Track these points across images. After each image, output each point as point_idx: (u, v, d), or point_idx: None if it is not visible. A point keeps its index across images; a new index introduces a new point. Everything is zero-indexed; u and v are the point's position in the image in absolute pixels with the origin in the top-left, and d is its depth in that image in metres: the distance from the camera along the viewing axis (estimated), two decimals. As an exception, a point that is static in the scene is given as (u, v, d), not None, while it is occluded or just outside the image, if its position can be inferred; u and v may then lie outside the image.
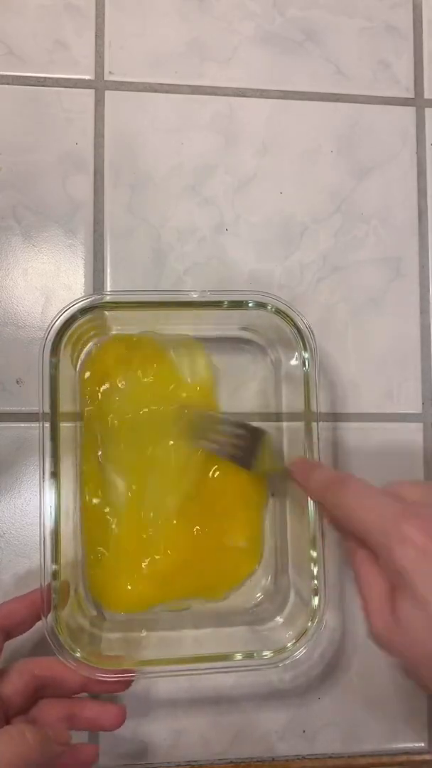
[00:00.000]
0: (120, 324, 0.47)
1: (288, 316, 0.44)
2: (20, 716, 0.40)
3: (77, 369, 0.47)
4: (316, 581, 0.42)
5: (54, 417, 0.41)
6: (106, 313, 0.44)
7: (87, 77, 0.50)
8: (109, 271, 0.49)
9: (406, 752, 0.50)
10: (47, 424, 0.41)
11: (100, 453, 0.47)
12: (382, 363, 0.51)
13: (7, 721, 0.39)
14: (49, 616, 0.40)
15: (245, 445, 0.46)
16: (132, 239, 0.50)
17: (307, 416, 0.43)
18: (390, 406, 0.51)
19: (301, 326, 0.44)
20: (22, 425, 0.48)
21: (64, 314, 0.42)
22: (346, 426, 0.50)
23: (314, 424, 0.43)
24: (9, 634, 0.41)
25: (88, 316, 0.43)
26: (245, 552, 0.48)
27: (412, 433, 0.51)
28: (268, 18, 0.52)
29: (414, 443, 0.51)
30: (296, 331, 0.44)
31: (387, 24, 0.53)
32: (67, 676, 0.41)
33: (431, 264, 0.52)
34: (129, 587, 0.46)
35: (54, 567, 0.41)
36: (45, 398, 0.41)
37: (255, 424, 0.47)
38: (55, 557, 0.41)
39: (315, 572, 0.42)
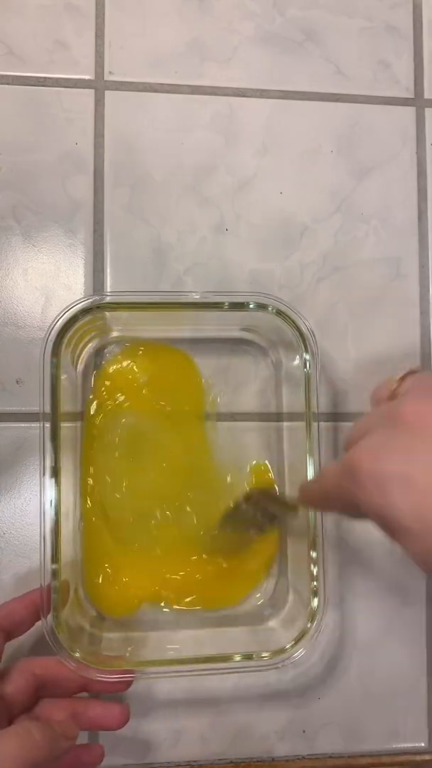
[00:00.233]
0: (120, 325, 0.47)
1: (289, 318, 0.44)
2: (23, 715, 0.41)
3: (78, 371, 0.47)
4: (315, 582, 0.42)
5: (54, 417, 0.41)
6: (107, 313, 0.44)
7: (87, 77, 0.50)
8: (109, 271, 0.49)
9: (406, 752, 0.50)
10: (47, 424, 0.41)
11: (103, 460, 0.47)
12: (382, 363, 0.51)
13: (11, 721, 0.39)
14: (49, 616, 0.40)
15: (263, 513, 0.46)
16: (132, 239, 0.50)
17: (308, 417, 0.43)
18: (390, 406, 0.51)
19: (303, 328, 0.44)
20: (22, 425, 0.48)
21: (66, 314, 0.42)
22: (347, 426, 0.50)
23: (314, 425, 0.43)
24: (9, 635, 0.41)
25: (89, 317, 0.43)
26: (253, 571, 0.49)
27: (412, 433, 0.51)
28: (268, 18, 0.52)
29: (414, 443, 0.51)
30: (297, 333, 0.44)
31: (387, 24, 0.53)
32: (68, 676, 0.41)
33: (431, 264, 0.52)
34: (127, 594, 0.47)
35: (54, 566, 0.41)
36: (45, 398, 0.41)
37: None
38: (55, 557, 0.41)
39: (315, 573, 0.42)
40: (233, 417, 0.49)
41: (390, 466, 0.30)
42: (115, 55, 0.51)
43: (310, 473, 0.43)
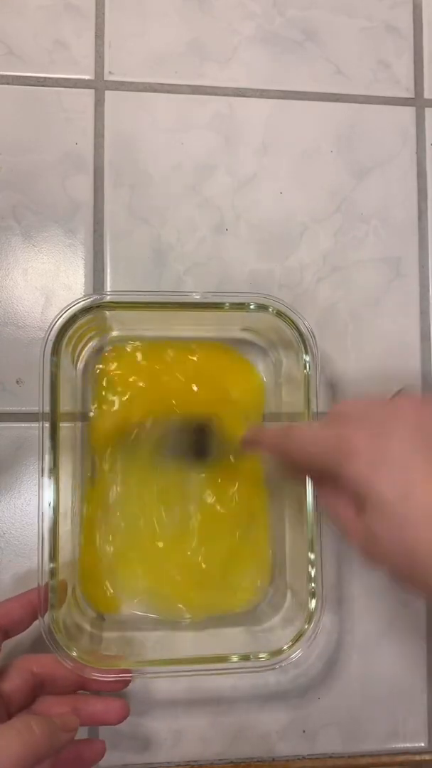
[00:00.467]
0: (120, 324, 0.47)
1: (289, 319, 0.44)
2: (22, 712, 0.41)
3: (78, 370, 0.47)
4: (313, 583, 0.42)
5: (54, 416, 0.41)
6: (107, 313, 0.44)
7: (87, 77, 0.50)
8: (109, 271, 0.49)
9: (406, 752, 0.50)
10: (47, 424, 0.41)
11: (105, 464, 0.47)
12: (382, 363, 0.51)
13: (9, 719, 0.39)
14: (47, 615, 0.40)
15: (194, 440, 0.47)
16: (132, 239, 0.50)
17: (308, 418, 0.43)
18: (390, 406, 0.51)
19: (303, 329, 0.44)
20: (22, 425, 0.48)
21: (66, 314, 0.42)
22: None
23: (314, 425, 0.43)
24: (6, 634, 0.41)
25: (89, 316, 0.43)
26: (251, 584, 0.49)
27: (412, 433, 0.51)
28: (268, 18, 0.52)
29: (414, 443, 0.51)
30: (297, 334, 0.44)
31: (387, 24, 0.53)
32: (66, 674, 0.41)
33: (431, 264, 0.52)
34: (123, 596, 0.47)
35: (51, 565, 0.41)
36: (45, 398, 0.41)
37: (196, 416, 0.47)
38: (53, 556, 0.41)
39: (312, 574, 0.42)
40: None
41: (392, 450, 0.33)
42: (115, 55, 0.51)
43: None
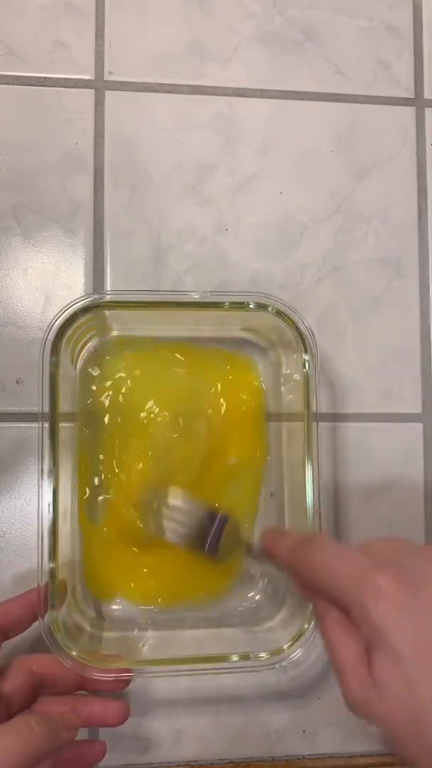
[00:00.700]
0: (120, 324, 0.47)
1: (289, 318, 0.44)
2: (23, 712, 0.40)
3: (77, 370, 0.47)
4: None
5: (53, 416, 0.41)
6: (107, 312, 0.44)
7: (87, 77, 0.50)
8: (109, 271, 0.49)
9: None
10: (46, 423, 0.41)
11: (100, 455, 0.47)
12: (382, 363, 0.51)
13: (9, 719, 0.39)
14: (47, 615, 0.40)
15: (207, 533, 0.44)
16: (132, 239, 0.50)
17: (307, 417, 0.43)
18: (390, 406, 0.51)
19: (302, 328, 0.44)
20: (22, 425, 0.48)
21: (65, 313, 0.42)
22: (346, 426, 0.50)
23: (314, 425, 0.43)
24: (6, 634, 0.41)
25: (88, 316, 0.43)
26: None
27: (412, 433, 0.51)
28: (268, 18, 0.52)
29: (414, 443, 0.51)
30: (297, 333, 0.44)
31: (387, 24, 0.53)
32: (65, 674, 0.41)
33: (431, 264, 0.52)
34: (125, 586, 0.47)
35: (51, 565, 0.41)
36: (45, 397, 0.41)
37: (215, 509, 0.45)
38: (53, 556, 0.41)
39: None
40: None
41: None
42: (115, 55, 0.51)
43: (309, 474, 0.43)
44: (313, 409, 0.43)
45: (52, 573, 0.41)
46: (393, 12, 0.53)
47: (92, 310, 0.43)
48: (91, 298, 0.43)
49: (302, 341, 0.43)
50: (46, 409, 0.41)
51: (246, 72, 0.52)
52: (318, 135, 0.52)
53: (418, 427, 0.51)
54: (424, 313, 0.52)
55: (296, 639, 0.42)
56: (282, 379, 0.48)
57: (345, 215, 0.52)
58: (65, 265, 0.49)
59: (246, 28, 0.52)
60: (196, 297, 0.44)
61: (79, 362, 0.47)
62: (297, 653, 0.42)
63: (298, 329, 0.44)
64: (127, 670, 0.41)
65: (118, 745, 0.47)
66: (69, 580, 0.44)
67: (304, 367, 0.43)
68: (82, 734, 0.46)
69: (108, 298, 0.44)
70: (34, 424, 0.48)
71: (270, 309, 0.44)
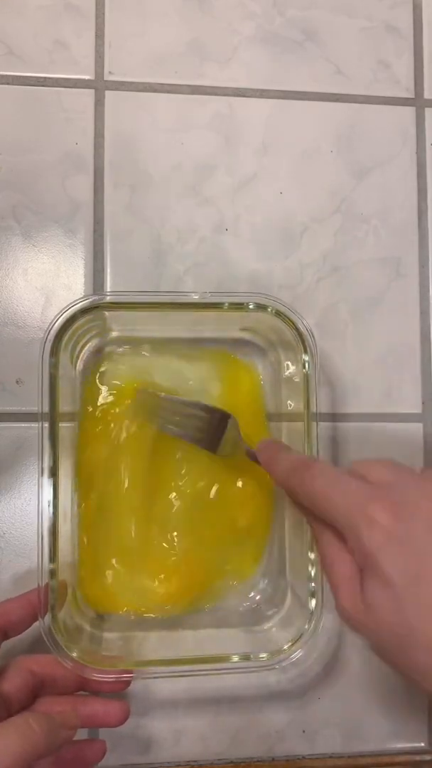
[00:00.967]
0: (120, 325, 0.47)
1: (288, 319, 0.44)
2: (23, 712, 0.40)
3: (77, 369, 0.47)
4: (313, 583, 0.42)
5: (53, 417, 0.41)
6: (106, 313, 0.44)
7: (87, 77, 0.50)
8: (109, 271, 0.49)
9: (406, 752, 0.50)
10: (46, 424, 0.41)
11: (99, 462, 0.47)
12: (382, 363, 0.51)
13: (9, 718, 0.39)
14: (47, 616, 0.40)
15: (209, 428, 0.45)
16: (132, 239, 0.50)
17: (307, 418, 0.43)
18: (390, 406, 0.51)
19: (302, 329, 0.44)
20: (23, 425, 0.48)
21: (64, 314, 0.42)
22: (347, 426, 0.50)
23: (314, 425, 0.43)
24: (6, 634, 0.41)
25: (88, 317, 0.43)
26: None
27: (412, 433, 0.51)
28: (268, 18, 0.52)
29: (414, 443, 0.51)
30: (296, 334, 0.44)
31: (387, 24, 0.53)
32: (66, 674, 0.41)
33: (431, 264, 0.52)
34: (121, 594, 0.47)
35: (51, 566, 0.41)
36: (44, 398, 0.41)
37: (219, 408, 0.46)
38: (53, 557, 0.41)
39: (312, 574, 0.42)
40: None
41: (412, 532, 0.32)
42: (115, 55, 0.51)
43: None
44: (313, 409, 0.43)
45: (53, 574, 0.41)
46: (393, 12, 0.53)
47: (91, 311, 0.43)
48: (90, 300, 0.43)
49: (302, 341, 0.43)
50: (46, 409, 0.41)
51: (246, 72, 0.52)
52: (318, 135, 0.52)
53: (418, 427, 0.51)
54: (424, 313, 0.52)
55: (296, 639, 0.42)
56: (282, 379, 0.48)
57: (345, 215, 0.52)
58: (65, 265, 0.49)
59: (246, 28, 0.52)
60: (195, 298, 0.44)
61: (78, 363, 0.47)
62: (297, 653, 0.42)
63: (297, 329, 0.44)
64: (128, 671, 0.41)
65: (118, 745, 0.47)
66: (69, 581, 0.44)
67: (304, 367, 0.43)
68: (83, 734, 0.46)
69: (107, 299, 0.44)
70: (34, 424, 0.48)
71: (269, 309, 0.44)
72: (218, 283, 0.50)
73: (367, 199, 0.52)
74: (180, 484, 0.47)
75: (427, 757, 0.50)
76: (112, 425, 0.47)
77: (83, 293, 0.49)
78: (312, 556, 0.42)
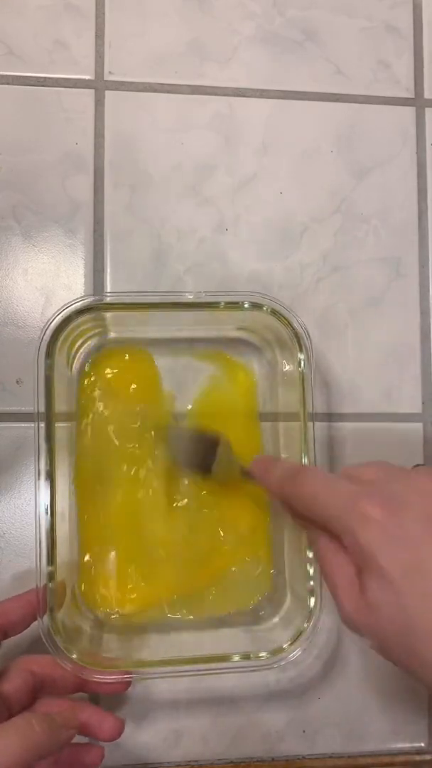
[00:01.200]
0: (117, 325, 0.47)
1: (283, 317, 0.44)
2: (24, 712, 0.40)
3: (73, 372, 0.47)
4: (312, 582, 0.42)
5: (49, 418, 0.41)
6: (102, 314, 0.44)
7: (87, 77, 0.50)
8: (109, 271, 0.49)
9: (406, 752, 0.50)
10: (42, 425, 0.41)
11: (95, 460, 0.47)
12: (382, 363, 0.51)
13: (9, 719, 0.39)
14: (46, 617, 0.40)
15: (202, 452, 0.46)
16: (132, 239, 0.50)
17: (303, 417, 0.43)
18: (390, 406, 0.51)
19: (297, 327, 0.44)
20: (22, 425, 0.48)
21: (60, 316, 0.42)
22: (346, 426, 0.50)
23: (310, 425, 0.43)
24: (5, 634, 0.41)
25: (84, 318, 0.43)
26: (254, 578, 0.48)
27: (412, 433, 0.51)
28: (268, 18, 0.52)
29: (414, 443, 0.51)
30: (292, 332, 0.44)
31: (387, 24, 0.53)
32: (65, 675, 0.41)
33: (431, 264, 0.52)
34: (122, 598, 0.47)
35: (49, 568, 0.41)
36: (40, 399, 0.41)
37: (209, 431, 0.46)
38: (51, 558, 0.41)
39: (311, 573, 0.42)
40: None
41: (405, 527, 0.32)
42: (115, 55, 0.51)
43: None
44: (310, 407, 0.43)
45: (51, 575, 0.41)
46: (393, 12, 0.53)
47: (87, 312, 0.43)
48: (85, 300, 0.43)
49: (297, 340, 0.43)
50: (42, 410, 0.41)
51: (246, 72, 0.52)
52: (318, 135, 0.52)
53: (418, 427, 0.51)
54: (424, 313, 0.52)
55: (296, 639, 0.42)
56: (278, 378, 0.48)
57: (345, 215, 0.52)
58: (65, 265, 0.49)
59: (246, 28, 0.52)
60: (190, 297, 0.44)
61: (75, 364, 0.47)
62: (297, 653, 0.42)
63: (292, 328, 0.44)
64: (127, 672, 0.41)
65: (118, 745, 0.47)
66: (68, 581, 0.44)
67: (300, 365, 0.43)
68: (82, 738, 0.46)
69: (103, 299, 0.44)
70: (34, 425, 0.47)
71: (265, 308, 0.44)
72: (218, 283, 0.50)
73: (367, 199, 0.52)
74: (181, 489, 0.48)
75: (427, 757, 0.50)
76: (110, 427, 0.47)
77: (83, 293, 0.49)
78: (310, 554, 0.42)
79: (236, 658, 0.42)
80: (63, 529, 0.43)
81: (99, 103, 0.50)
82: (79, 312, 0.42)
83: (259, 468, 0.43)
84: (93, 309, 0.43)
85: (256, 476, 0.43)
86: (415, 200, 0.53)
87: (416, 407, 0.51)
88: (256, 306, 0.44)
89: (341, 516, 0.34)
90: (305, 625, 0.42)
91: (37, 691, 0.41)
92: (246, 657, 0.42)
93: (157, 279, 0.50)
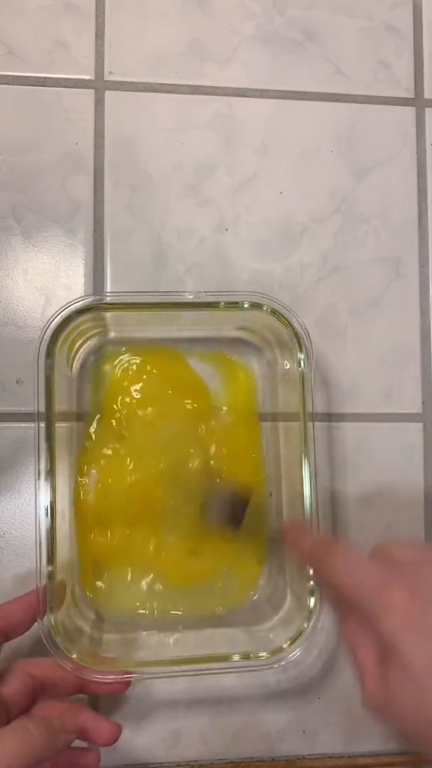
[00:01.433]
0: (116, 325, 0.47)
1: (283, 317, 0.44)
2: (21, 716, 0.40)
3: (74, 370, 0.47)
4: (312, 582, 0.42)
5: (49, 417, 0.41)
6: (102, 314, 0.44)
7: (87, 77, 0.50)
8: (109, 271, 0.49)
9: (406, 752, 0.50)
10: (43, 424, 0.41)
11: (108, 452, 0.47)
12: (382, 363, 0.51)
13: (9, 722, 0.39)
14: (46, 618, 0.40)
15: (231, 508, 0.46)
16: (132, 239, 0.50)
17: (303, 417, 0.43)
18: (390, 406, 0.51)
19: (297, 327, 0.44)
20: (23, 425, 0.48)
21: (60, 316, 0.42)
22: (346, 426, 0.50)
23: (310, 425, 0.43)
24: (6, 636, 0.41)
25: (84, 317, 0.43)
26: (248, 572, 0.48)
27: (412, 433, 0.51)
28: (268, 18, 0.52)
29: (414, 443, 0.51)
30: (292, 332, 0.44)
31: (387, 24, 0.53)
32: (65, 677, 0.41)
33: (431, 264, 0.52)
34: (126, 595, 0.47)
35: (49, 568, 0.41)
36: (40, 399, 0.41)
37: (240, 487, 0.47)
38: (51, 558, 0.41)
39: (311, 573, 0.42)
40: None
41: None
42: (115, 55, 0.51)
43: (306, 473, 0.43)
44: (310, 407, 0.43)
45: (51, 575, 0.41)
46: (393, 12, 0.53)
47: (87, 312, 0.43)
48: (85, 300, 0.43)
49: (297, 340, 0.43)
50: (42, 410, 0.41)
51: (246, 72, 0.52)
52: (318, 135, 0.52)
53: (418, 427, 0.51)
54: (424, 313, 0.52)
55: (296, 639, 0.42)
56: (278, 378, 0.48)
57: (345, 215, 0.52)
58: (65, 265, 0.49)
59: (246, 28, 0.52)
60: (190, 297, 0.44)
61: (75, 363, 0.47)
62: (297, 653, 0.42)
63: (292, 328, 0.44)
64: (127, 671, 0.41)
65: (118, 745, 0.47)
66: (68, 582, 0.44)
67: (300, 365, 0.43)
68: (81, 742, 0.46)
69: (102, 299, 0.44)
70: (34, 424, 0.47)
71: (265, 308, 0.44)
72: (218, 284, 0.50)
73: (367, 199, 0.52)
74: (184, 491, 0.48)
75: (427, 758, 0.50)
76: (113, 427, 0.47)
77: (83, 293, 0.49)
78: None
79: (236, 658, 0.42)
80: (63, 529, 0.43)
81: (99, 103, 0.50)
82: (80, 312, 0.42)
83: (291, 533, 0.42)
84: (93, 309, 0.43)
85: (287, 542, 0.43)
86: (415, 200, 0.53)
87: (416, 407, 0.51)
88: (256, 306, 0.44)
89: (367, 598, 0.33)
90: (305, 625, 0.42)
91: (37, 693, 0.41)
92: (246, 657, 0.42)
93: (157, 279, 0.50)
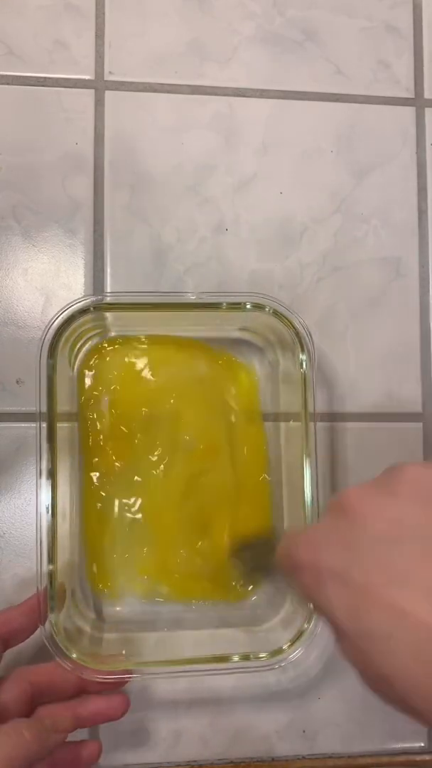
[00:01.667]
0: (118, 325, 0.47)
1: (285, 318, 0.44)
2: (13, 719, 0.40)
3: (75, 370, 0.47)
4: None
5: (51, 418, 0.41)
6: (103, 314, 0.44)
7: (87, 77, 0.50)
8: (109, 271, 0.49)
9: (406, 752, 0.50)
10: (44, 425, 0.41)
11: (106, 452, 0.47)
12: (382, 363, 0.51)
13: None
14: (48, 620, 0.40)
15: (262, 555, 0.45)
16: (132, 239, 0.50)
17: (305, 417, 0.43)
18: (390, 406, 0.51)
19: (299, 328, 0.44)
20: (23, 425, 0.48)
21: (62, 315, 0.42)
22: (346, 426, 0.50)
23: (311, 425, 0.43)
24: (7, 643, 0.41)
25: (85, 317, 0.43)
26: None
27: (412, 433, 0.51)
28: (268, 18, 0.52)
29: (414, 443, 0.51)
30: (294, 333, 0.44)
31: (387, 24, 0.53)
32: (64, 680, 0.41)
33: (431, 264, 0.52)
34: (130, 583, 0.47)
35: (50, 568, 0.41)
36: (42, 399, 0.41)
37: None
38: (52, 558, 0.41)
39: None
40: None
41: (328, 561, 0.29)
42: (115, 55, 0.51)
43: (308, 472, 0.43)
44: (311, 407, 0.43)
45: (52, 575, 0.41)
46: (393, 12, 0.53)
47: (89, 312, 0.43)
48: (87, 300, 0.43)
49: (299, 340, 0.43)
50: (44, 410, 0.41)
51: (246, 72, 0.52)
52: (318, 135, 0.52)
53: (418, 427, 0.51)
54: (424, 313, 0.52)
55: (296, 639, 0.42)
56: (280, 379, 0.48)
57: (345, 215, 0.52)
58: (65, 265, 0.49)
59: (246, 28, 0.52)
60: (192, 298, 0.44)
61: (77, 363, 0.47)
62: (297, 653, 0.42)
63: (294, 328, 0.44)
64: (128, 671, 0.41)
65: (117, 745, 0.47)
66: (68, 582, 0.44)
67: (302, 366, 0.43)
68: (82, 734, 0.46)
69: (104, 300, 0.44)
70: (34, 425, 0.47)
71: (267, 309, 0.44)
72: (218, 283, 0.50)
73: (367, 199, 0.52)
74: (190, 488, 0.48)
75: (427, 757, 0.50)
76: (110, 428, 0.47)
77: (83, 293, 0.49)
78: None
79: (236, 658, 0.42)
80: (63, 529, 0.43)
81: (99, 103, 0.50)
82: (82, 312, 0.42)
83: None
84: (96, 309, 0.43)
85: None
86: (415, 200, 0.53)
87: (416, 407, 0.51)
88: (257, 307, 0.44)
89: (285, 570, 0.33)
90: (305, 626, 0.42)
91: (36, 699, 0.41)
92: (246, 657, 0.42)
93: (157, 279, 0.50)
